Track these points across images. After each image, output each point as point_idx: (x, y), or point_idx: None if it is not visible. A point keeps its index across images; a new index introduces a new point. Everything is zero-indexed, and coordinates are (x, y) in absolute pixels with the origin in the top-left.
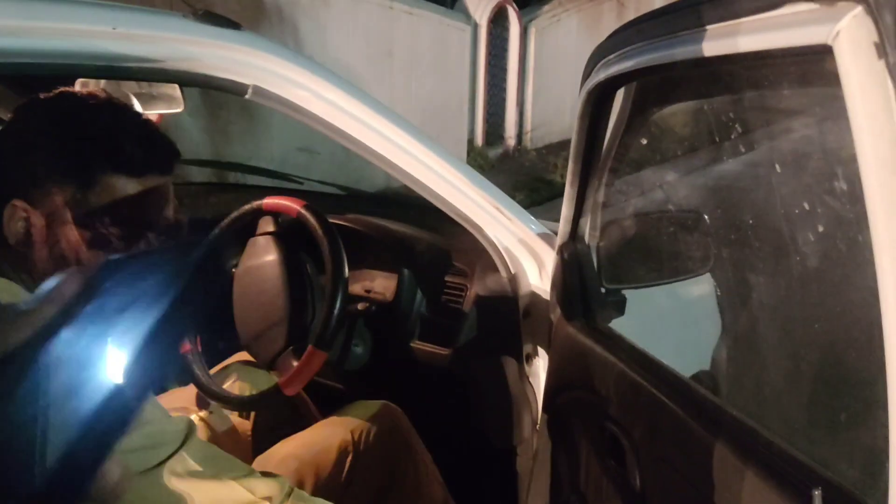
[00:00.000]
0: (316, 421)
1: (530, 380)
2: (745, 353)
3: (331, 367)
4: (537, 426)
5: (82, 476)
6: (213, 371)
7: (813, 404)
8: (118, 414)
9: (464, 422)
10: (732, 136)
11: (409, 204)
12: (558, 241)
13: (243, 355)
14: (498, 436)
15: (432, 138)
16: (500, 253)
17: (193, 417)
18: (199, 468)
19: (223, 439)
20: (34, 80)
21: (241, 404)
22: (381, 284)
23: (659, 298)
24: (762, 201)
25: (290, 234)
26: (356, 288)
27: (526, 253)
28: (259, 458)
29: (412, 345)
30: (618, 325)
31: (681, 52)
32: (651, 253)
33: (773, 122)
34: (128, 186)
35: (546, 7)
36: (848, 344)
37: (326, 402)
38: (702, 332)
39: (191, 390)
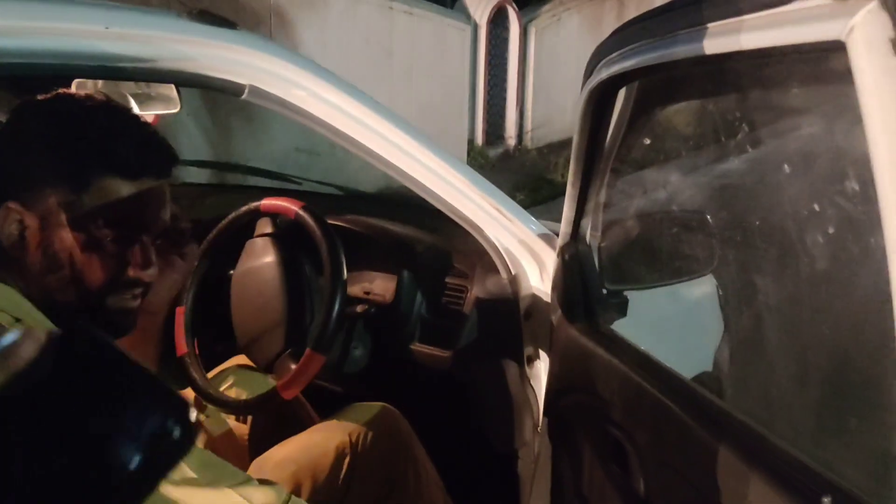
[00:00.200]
0: (314, 424)
1: (531, 382)
2: (750, 356)
3: (330, 370)
4: (539, 429)
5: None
6: (210, 374)
7: (821, 408)
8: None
9: (464, 425)
10: (737, 136)
11: (409, 204)
12: (559, 241)
13: (241, 358)
14: (499, 439)
15: (432, 139)
16: (501, 254)
17: None
18: (194, 476)
19: (220, 443)
20: (32, 82)
21: (238, 408)
22: (381, 286)
23: (661, 300)
24: (768, 202)
25: (288, 236)
26: (355, 289)
27: (526, 254)
28: (256, 462)
29: (412, 347)
30: (620, 326)
31: (684, 51)
32: (653, 253)
33: (780, 121)
34: (123, 189)
35: (546, 6)
36: (857, 346)
37: (325, 405)
38: (705, 333)
39: (187, 394)
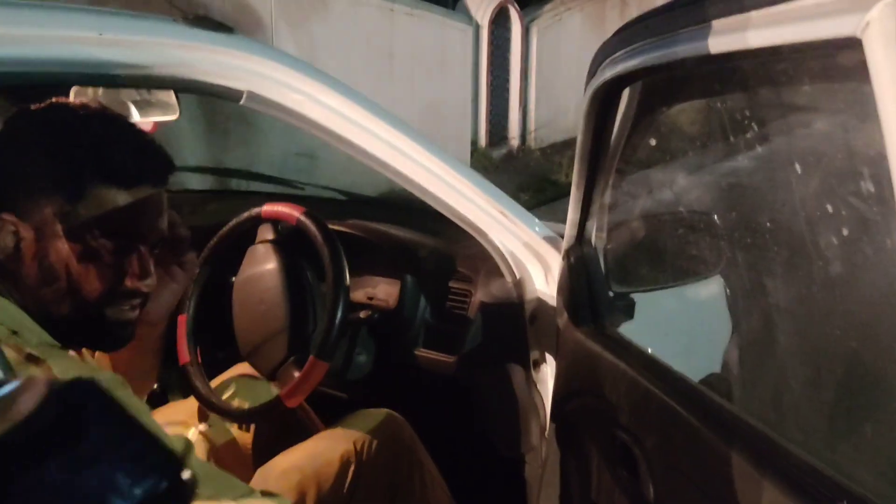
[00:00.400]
0: (318, 432)
1: (538, 386)
2: (760, 358)
3: (334, 377)
4: (546, 434)
5: None
6: (213, 382)
7: (833, 411)
8: None
9: (470, 430)
10: (745, 136)
11: (412, 208)
12: (564, 244)
13: (244, 366)
14: (505, 444)
15: (433, 141)
16: (505, 257)
17: (193, 431)
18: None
19: (223, 452)
20: (28, 90)
21: (241, 417)
22: (384, 291)
23: (668, 302)
24: (778, 202)
25: (290, 242)
26: (358, 295)
27: (531, 257)
28: (260, 471)
29: (416, 352)
30: (627, 329)
31: (688, 49)
32: (660, 255)
33: (790, 120)
34: (119, 198)
35: (548, 6)
36: (869, 348)
37: (329, 412)
38: (713, 336)
39: (191, 403)
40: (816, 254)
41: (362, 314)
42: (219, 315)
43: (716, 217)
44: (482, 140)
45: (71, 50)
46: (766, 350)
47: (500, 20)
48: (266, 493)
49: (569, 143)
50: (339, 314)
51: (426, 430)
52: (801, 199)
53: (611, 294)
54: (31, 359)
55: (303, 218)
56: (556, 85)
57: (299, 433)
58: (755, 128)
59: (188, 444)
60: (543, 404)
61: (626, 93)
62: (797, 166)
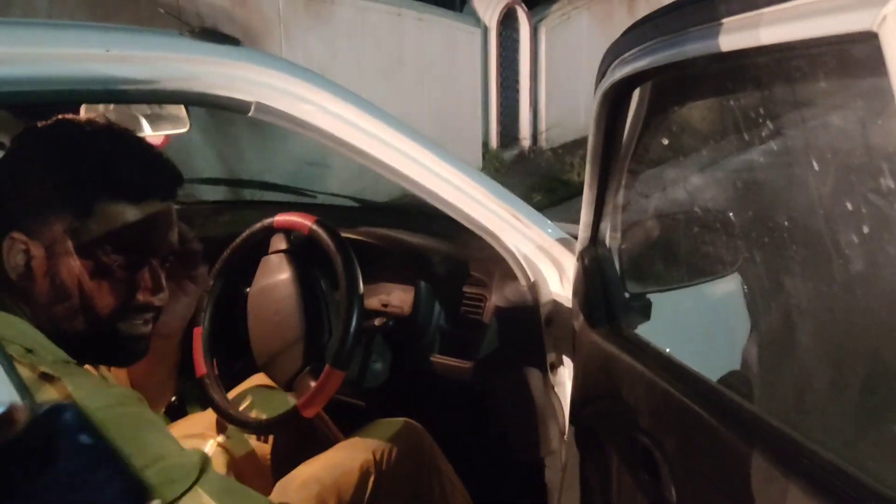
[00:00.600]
0: (337, 441)
1: (556, 389)
2: (780, 358)
3: (350, 385)
4: (565, 437)
5: None
6: (230, 394)
7: (859, 410)
8: None
9: (489, 435)
10: (759, 133)
11: (424, 213)
12: (578, 246)
13: (261, 377)
14: (525, 448)
15: (443, 145)
16: (519, 261)
17: (212, 443)
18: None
19: (242, 464)
20: (38, 107)
21: (259, 428)
22: (398, 298)
23: (685, 301)
24: (795, 199)
25: (303, 251)
26: (373, 302)
27: (545, 259)
28: (280, 483)
29: (432, 359)
30: (644, 330)
31: (700, 48)
32: (675, 255)
33: (805, 116)
34: (128, 213)
35: (555, 5)
36: (894, 345)
37: (347, 420)
38: (732, 335)
39: (209, 415)
40: (836, 251)
41: (377, 321)
42: (234, 326)
43: (731, 215)
44: (493, 141)
45: (78, 67)
46: (786, 349)
47: (508, 21)
48: None
49: (580, 143)
50: (353, 322)
51: (444, 436)
52: (818, 195)
53: (626, 295)
54: (46, 377)
55: (315, 227)
56: (566, 84)
57: (317, 443)
58: (769, 125)
59: (205, 458)
60: (562, 407)
61: (636, 93)
62: (813, 163)
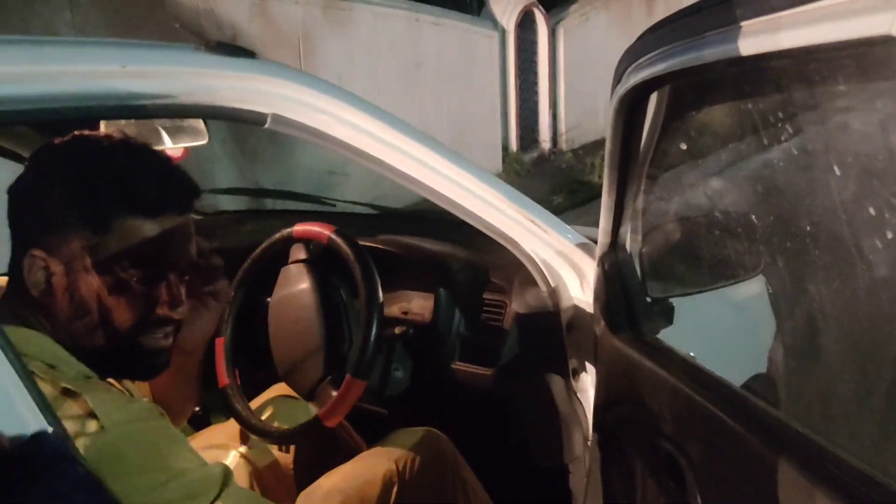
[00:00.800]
0: (359, 450)
1: (578, 395)
2: (806, 363)
3: (371, 393)
4: (588, 443)
5: None
6: (252, 404)
7: (887, 416)
8: None
9: (511, 443)
10: (778, 137)
11: (443, 220)
12: (598, 251)
13: (283, 387)
14: (548, 455)
15: (461, 151)
16: (539, 266)
17: (234, 453)
18: None
19: (265, 474)
20: (56, 124)
21: (282, 438)
22: (418, 305)
23: (708, 306)
24: (816, 203)
25: (322, 261)
26: (393, 310)
27: (565, 265)
28: (303, 494)
29: (453, 366)
30: (666, 335)
31: (718, 52)
32: (696, 259)
33: (824, 120)
34: (145, 228)
35: (573, 6)
36: None
37: (369, 428)
38: (756, 340)
39: (232, 425)
40: (859, 254)
41: (397, 330)
42: (255, 336)
43: (753, 218)
44: (513, 144)
45: (95, 84)
46: (811, 353)
47: (525, 24)
48: None
49: (600, 144)
50: (373, 331)
51: (466, 443)
52: (839, 199)
53: (648, 299)
54: (68, 393)
55: (333, 236)
56: (585, 85)
57: (340, 452)
58: (789, 128)
59: (227, 472)
60: (584, 413)
61: (652, 97)
62: (834, 166)
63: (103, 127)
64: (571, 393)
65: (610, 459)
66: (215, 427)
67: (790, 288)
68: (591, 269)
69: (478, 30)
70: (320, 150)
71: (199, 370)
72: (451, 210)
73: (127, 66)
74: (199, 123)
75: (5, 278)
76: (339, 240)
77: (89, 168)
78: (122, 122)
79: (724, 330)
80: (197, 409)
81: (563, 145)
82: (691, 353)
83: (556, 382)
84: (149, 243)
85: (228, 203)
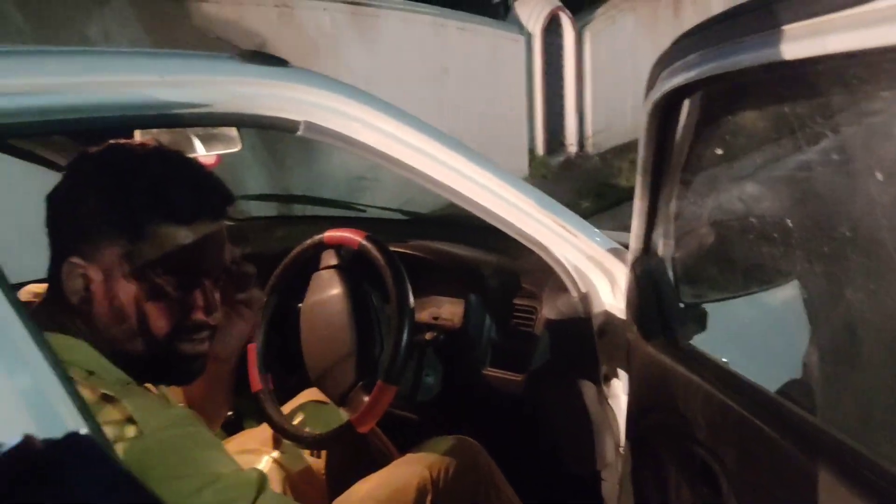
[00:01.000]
0: (391, 455)
1: (610, 402)
2: (843, 368)
3: (403, 399)
4: (621, 450)
5: None
6: (283, 408)
7: None
8: None
9: (544, 449)
10: (816, 142)
11: (474, 225)
12: (630, 256)
13: (314, 392)
14: (579, 461)
15: (488, 155)
16: (569, 272)
17: (267, 458)
18: None
19: (298, 480)
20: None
21: (315, 443)
22: (449, 311)
23: (742, 311)
24: (859, 209)
25: (353, 267)
26: (423, 315)
27: (596, 270)
28: (337, 501)
29: (484, 372)
30: (699, 341)
31: (757, 56)
32: (730, 264)
33: (869, 125)
34: (180, 235)
35: (600, 10)
36: None
37: (400, 433)
38: (792, 345)
39: (264, 430)
40: None
41: (428, 335)
42: (287, 341)
43: (789, 223)
44: (539, 148)
45: (134, 94)
46: (849, 359)
47: (552, 27)
48: None
49: (628, 147)
50: (404, 337)
51: (497, 449)
52: (880, 204)
53: (681, 305)
54: (107, 398)
55: (364, 242)
56: (611, 88)
57: (372, 458)
58: (828, 133)
59: (262, 477)
60: (616, 419)
61: (686, 103)
62: (875, 171)
63: (137, 136)
64: (603, 399)
65: (643, 466)
66: (248, 432)
67: (826, 293)
68: (622, 274)
69: (504, 34)
70: (348, 155)
71: (233, 379)
72: (481, 215)
73: (165, 76)
74: (233, 131)
75: (43, 285)
76: (370, 246)
77: (125, 176)
78: (156, 130)
79: (759, 335)
80: (230, 413)
81: (590, 149)
82: (724, 359)
83: (588, 389)
84: (184, 250)
85: (258, 209)
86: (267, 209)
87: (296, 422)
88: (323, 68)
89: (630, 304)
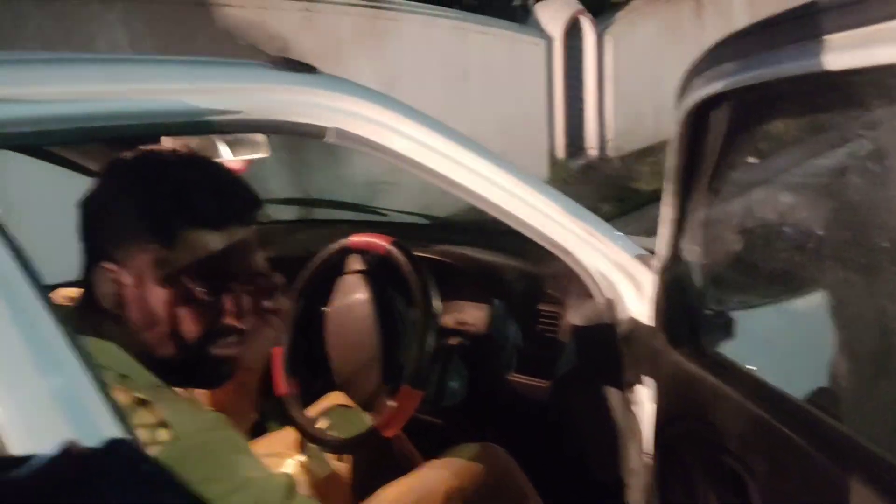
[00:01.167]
0: (415, 460)
1: (634, 408)
2: (878, 377)
3: (428, 403)
4: (647, 457)
5: None
6: (308, 412)
7: None
8: None
9: (568, 455)
10: (850, 151)
11: (498, 230)
12: (658, 263)
13: (339, 396)
14: (605, 468)
15: (511, 159)
16: (594, 278)
17: (292, 462)
18: None
19: (323, 484)
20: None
21: (340, 446)
22: (473, 316)
23: (771, 319)
24: (890, 217)
25: (378, 272)
26: (448, 321)
27: (621, 276)
28: None
29: (509, 377)
30: (727, 349)
31: (798, 67)
32: (759, 271)
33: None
34: (209, 240)
35: (621, 14)
36: None
37: (425, 439)
38: (822, 353)
39: (288, 433)
40: None
41: (453, 341)
42: (312, 345)
43: (818, 231)
44: (560, 152)
45: (167, 101)
46: (881, 368)
47: (573, 31)
48: None
49: (648, 151)
50: (430, 342)
51: (522, 455)
52: None
53: (708, 312)
54: (140, 402)
55: (391, 248)
56: (632, 92)
57: (397, 462)
58: (867, 144)
59: (292, 481)
60: (641, 426)
61: (719, 111)
62: None
63: (165, 142)
64: (628, 406)
65: (670, 474)
66: (272, 435)
67: (856, 301)
68: (647, 280)
69: (525, 38)
70: (368, 159)
71: (258, 388)
72: (506, 220)
73: (197, 84)
74: (260, 136)
75: (75, 289)
76: (396, 251)
77: (156, 182)
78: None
79: (788, 343)
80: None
81: (611, 152)
82: (751, 367)
83: (613, 395)
84: (214, 254)
85: (279, 212)
86: (287, 212)
87: (320, 425)
88: (343, 72)
89: (657, 310)
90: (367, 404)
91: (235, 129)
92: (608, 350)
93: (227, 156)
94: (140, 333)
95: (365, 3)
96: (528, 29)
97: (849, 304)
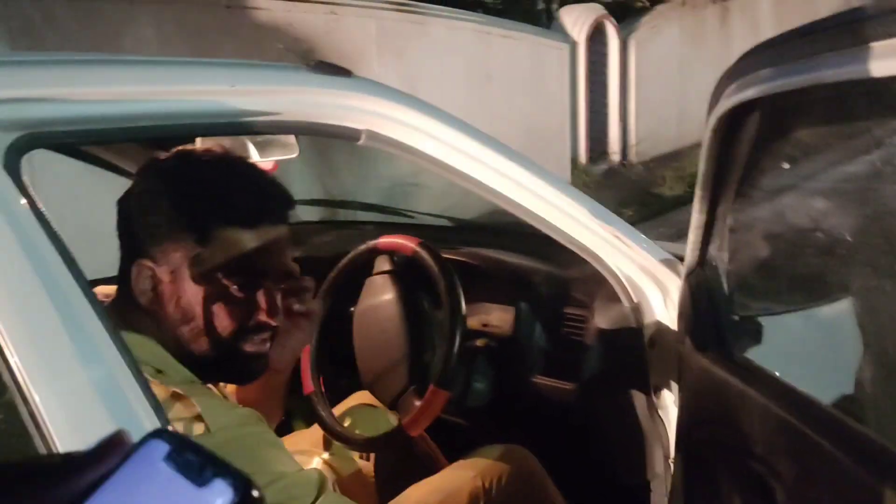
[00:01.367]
0: (440, 461)
1: (659, 413)
2: None
3: (453, 404)
4: (670, 461)
5: None
6: (334, 411)
7: None
8: None
9: (592, 458)
10: (888, 160)
11: (524, 233)
12: (686, 268)
13: (364, 395)
14: (629, 471)
15: (537, 164)
16: (621, 281)
17: (318, 460)
18: None
19: (348, 482)
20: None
21: (366, 445)
22: (499, 318)
23: (799, 324)
24: None
25: (406, 273)
26: (474, 322)
27: (649, 281)
28: None
29: (534, 380)
30: (755, 354)
31: (838, 74)
32: (787, 277)
33: None
34: (244, 238)
35: (645, 19)
36: None
37: (450, 439)
38: (850, 359)
39: (314, 432)
40: None
41: (479, 342)
42: (339, 345)
43: (848, 238)
44: (582, 156)
45: (207, 103)
46: None
47: (596, 36)
48: None
49: (671, 156)
50: (456, 343)
51: (547, 458)
52: None
53: (736, 318)
54: (176, 396)
55: (418, 249)
56: (656, 97)
57: (421, 462)
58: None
59: (323, 477)
60: (666, 430)
61: (753, 117)
62: None
63: (199, 142)
64: (653, 410)
65: (695, 479)
66: (299, 433)
67: (886, 308)
68: (674, 285)
69: (548, 42)
70: (395, 160)
71: (286, 389)
72: (534, 223)
73: (236, 86)
74: (290, 137)
75: (113, 286)
76: (424, 253)
77: (192, 182)
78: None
79: (816, 349)
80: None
81: (634, 157)
82: (781, 374)
83: (639, 399)
84: (247, 253)
85: (305, 213)
86: (313, 213)
87: (346, 424)
88: (367, 73)
89: (683, 315)
90: (393, 404)
91: (274, 131)
92: (634, 354)
93: (255, 157)
94: (175, 329)
95: (390, 5)
96: (552, 33)
97: (878, 311)
